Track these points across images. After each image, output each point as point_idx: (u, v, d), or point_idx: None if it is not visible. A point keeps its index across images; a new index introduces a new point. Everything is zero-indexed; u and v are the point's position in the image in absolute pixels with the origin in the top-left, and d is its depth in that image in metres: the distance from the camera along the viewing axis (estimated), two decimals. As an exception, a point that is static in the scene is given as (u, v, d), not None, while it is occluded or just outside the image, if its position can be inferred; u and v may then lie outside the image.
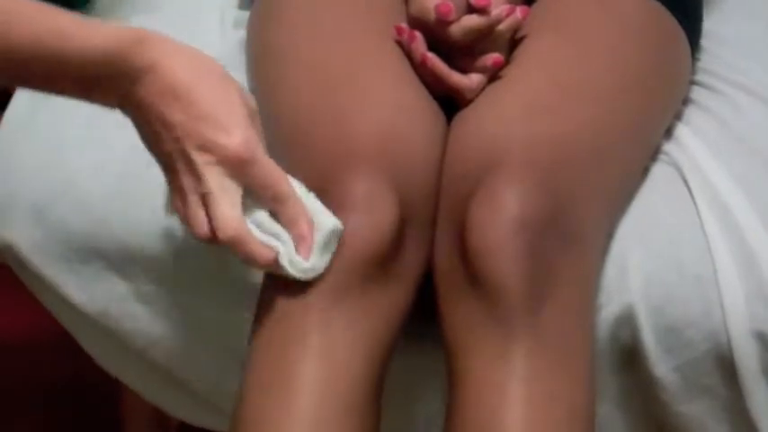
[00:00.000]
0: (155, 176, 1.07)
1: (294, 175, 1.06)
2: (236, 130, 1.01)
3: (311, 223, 1.04)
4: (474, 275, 1.05)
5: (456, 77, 1.18)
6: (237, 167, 1.01)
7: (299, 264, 1.03)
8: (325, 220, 1.04)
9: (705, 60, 1.38)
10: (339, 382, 1.03)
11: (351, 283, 1.04)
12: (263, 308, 1.08)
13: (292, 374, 1.03)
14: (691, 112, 1.31)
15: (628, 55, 1.22)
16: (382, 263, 1.06)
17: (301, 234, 1.03)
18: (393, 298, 1.08)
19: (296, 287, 1.04)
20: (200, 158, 1.01)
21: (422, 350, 1.16)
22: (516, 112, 1.14)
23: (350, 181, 1.07)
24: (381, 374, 1.07)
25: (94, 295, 1.25)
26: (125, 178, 1.24)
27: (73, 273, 1.25)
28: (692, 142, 1.27)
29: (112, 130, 1.14)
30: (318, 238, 1.03)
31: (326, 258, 1.04)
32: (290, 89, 1.17)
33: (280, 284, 1.05)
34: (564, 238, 1.07)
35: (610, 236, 1.17)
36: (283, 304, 1.05)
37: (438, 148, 1.15)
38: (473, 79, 1.18)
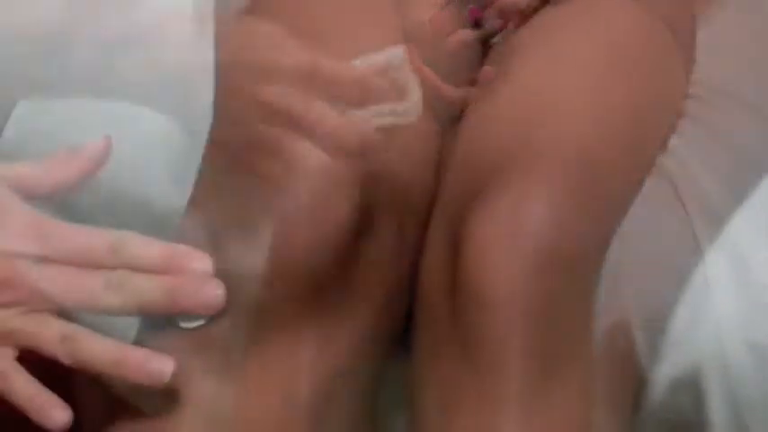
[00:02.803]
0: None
1: None
2: None
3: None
4: (464, 313, 1.02)
5: (446, 89, 1.20)
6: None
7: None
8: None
9: (698, 72, 1.38)
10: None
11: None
12: None
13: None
14: (684, 124, 1.31)
15: (626, 69, 1.23)
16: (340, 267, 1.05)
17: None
18: (359, 315, 1.07)
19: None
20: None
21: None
22: (515, 123, 1.14)
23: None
24: (374, 389, 1.08)
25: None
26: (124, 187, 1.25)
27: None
28: (684, 153, 1.27)
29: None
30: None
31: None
32: None
33: None
34: (571, 262, 1.06)
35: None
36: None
37: (428, 152, 1.16)
38: (462, 91, 1.19)
